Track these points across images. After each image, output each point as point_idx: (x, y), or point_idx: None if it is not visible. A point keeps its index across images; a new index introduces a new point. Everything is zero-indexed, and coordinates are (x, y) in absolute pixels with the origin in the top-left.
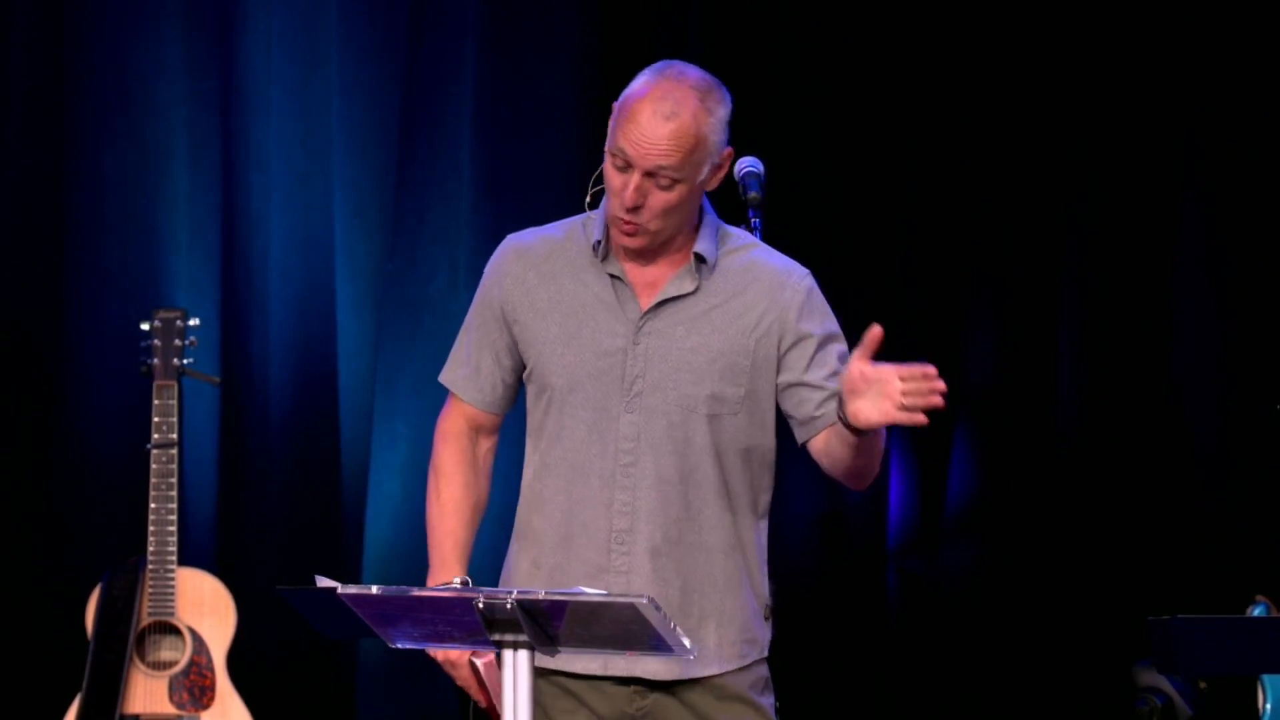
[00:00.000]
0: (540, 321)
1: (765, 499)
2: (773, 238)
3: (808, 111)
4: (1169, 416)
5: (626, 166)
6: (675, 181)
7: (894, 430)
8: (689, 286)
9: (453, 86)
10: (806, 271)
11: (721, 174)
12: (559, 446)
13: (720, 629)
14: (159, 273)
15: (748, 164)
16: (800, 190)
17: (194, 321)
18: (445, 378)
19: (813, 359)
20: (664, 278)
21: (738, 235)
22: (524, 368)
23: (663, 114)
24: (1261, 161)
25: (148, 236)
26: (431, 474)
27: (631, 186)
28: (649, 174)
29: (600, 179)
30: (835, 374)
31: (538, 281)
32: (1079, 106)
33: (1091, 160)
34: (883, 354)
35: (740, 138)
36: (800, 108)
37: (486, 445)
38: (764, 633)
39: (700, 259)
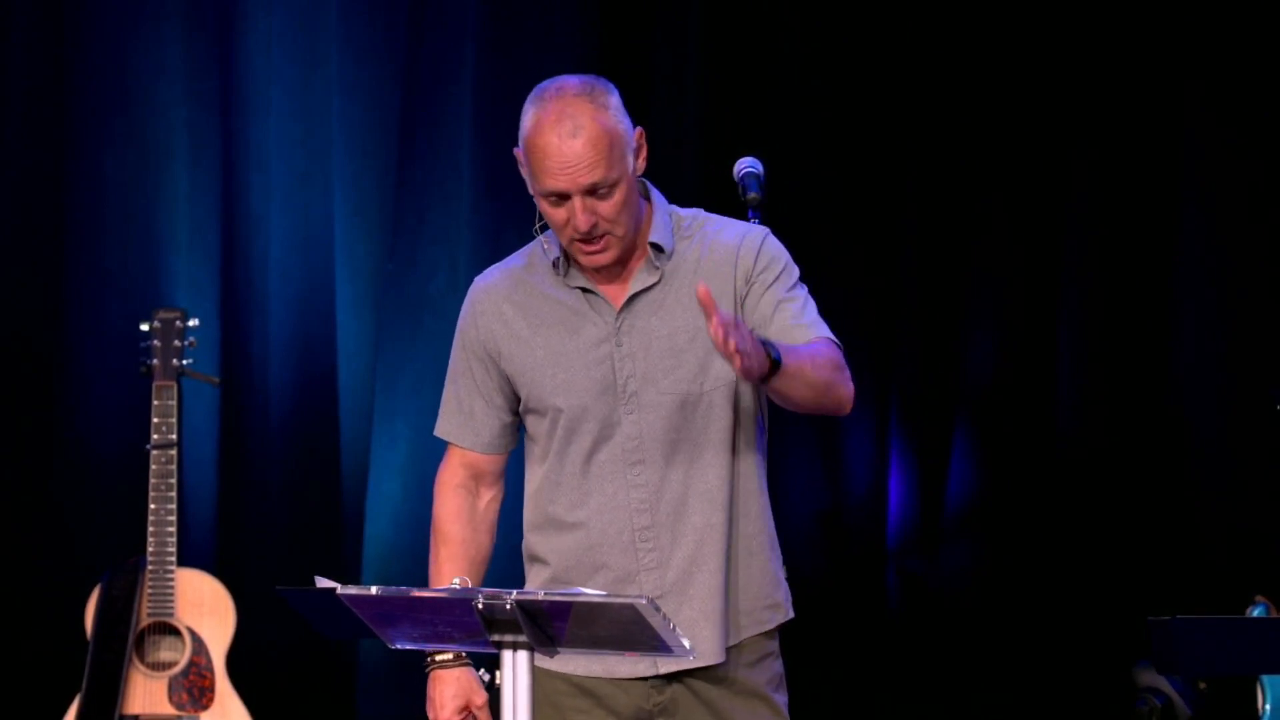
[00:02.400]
0: (525, 349)
1: (765, 443)
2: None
3: (808, 111)
4: (1169, 416)
5: (562, 199)
6: (613, 185)
7: (894, 429)
8: (653, 278)
9: (453, 86)
10: (763, 230)
11: (645, 153)
12: (568, 463)
13: (751, 600)
14: (159, 273)
15: (748, 164)
16: (800, 190)
17: (194, 322)
18: (440, 430)
19: (772, 294)
20: (629, 276)
21: (691, 215)
22: (518, 401)
23: (567, 134)
24: (1261, 161)
25: (148, 236)
26: (432, 533)
27: (579, 212)
28: (588, 193)
29: (540, 216)
30: (787, 302)
31: (514, 313)
32: (1079, 106)
33: (1091, 160)
34: (883, 354)
35: (740, 138)
36: (800, 108)
37: (489, 496)
38: (786, 595)
39: (658, 248)
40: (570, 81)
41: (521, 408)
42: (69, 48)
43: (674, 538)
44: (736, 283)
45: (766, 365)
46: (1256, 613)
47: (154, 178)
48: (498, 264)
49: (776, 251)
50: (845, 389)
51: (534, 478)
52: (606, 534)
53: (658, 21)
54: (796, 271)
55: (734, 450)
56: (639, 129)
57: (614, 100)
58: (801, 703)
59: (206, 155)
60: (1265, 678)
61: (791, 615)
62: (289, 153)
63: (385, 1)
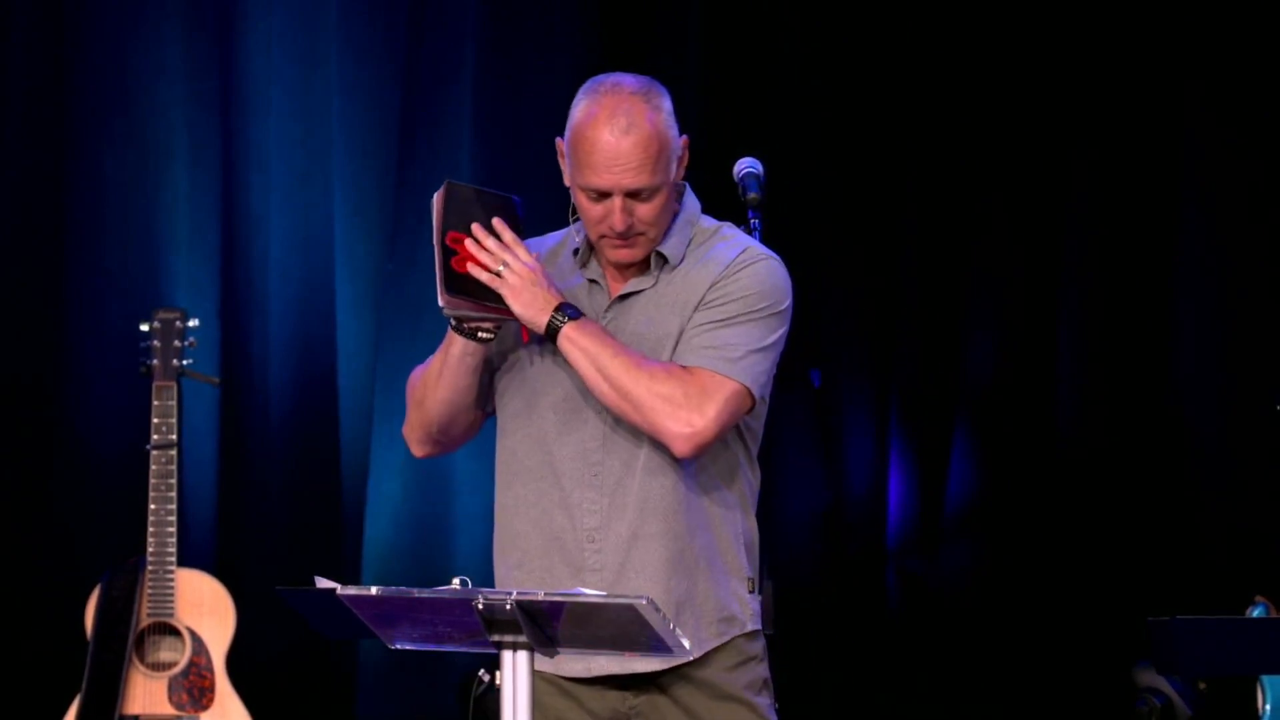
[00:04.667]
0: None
1: (744, 459)
2: (773, 238)
3: (808, 111)
4: (1169, 417)
5: (603, 195)
6: (654, 191)
7: (894, 429)
8: (648, 282)
9: (453, 86)
10: (766, 254)
11: (685, 162)
12: (534, 452)
13: (696, 612)
14: (159, 273)
15: (747, 164)
16: (800, 190)
17: (194, 322)
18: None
19: (704, 310)
20: (633, 276)
21: (712, 229)
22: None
23: (620, 130)
24: (1261, 161)
25: (148, 236)
26: (413, 382)
27: (618, 212)
28: (629, 195)
29: (574, 209)
30: (706, 322)
31: None
32: (1079, 107)
33: (1091, 160)
34: (883, 354)
35: (740, 138)
36: (800, 108)
37: None
38: (744, 608)
39: (662, 258)
40: (627, 79)
41: (497, 376)
42: (69, 48)
43: (618, 543)
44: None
45: (541, 322)
46: (1256, 613)
47: (154, 178)
48: (548, 234)
49: (753, 280)
50: (664, 421)
51: (501, 450)
52: (564, 529)
53: (658, 21)
54: (766, 309)
55: (698, 462)
56: (685, 138)
57: (667, 105)
58: (801, 703)
59: (206, 155)
60: (1265, 678)
61: (751, 629)
62: (289, 153)
63: (385, 1)
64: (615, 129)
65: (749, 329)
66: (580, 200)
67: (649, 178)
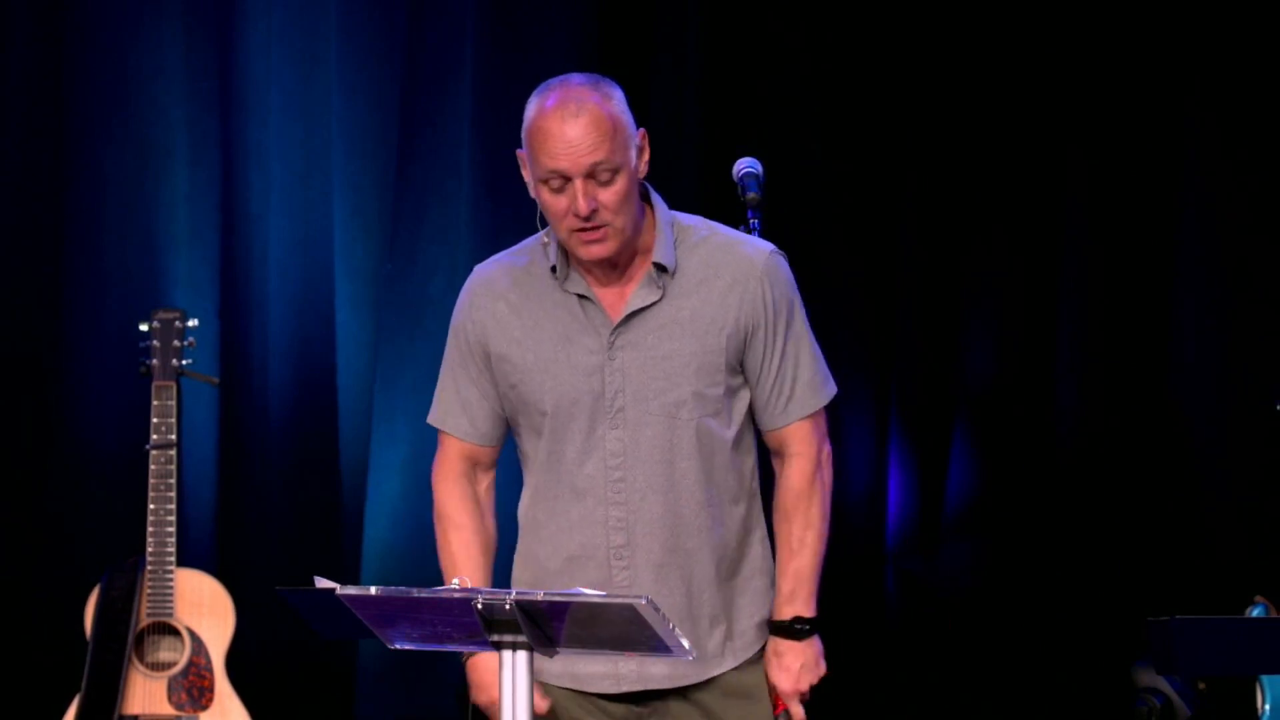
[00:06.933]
0: (517, 350)
1: (754, 471)
2: (772, 238)
3: (807, 111)
4: (1169, 416)
5: (563, 183)
6: (614, 172)
7: (894, 429)
8: (654, 296)
9: (453, 87)
10: (769, 249)
11: (647, 156)
12: (552, 472)
13: (738, 623)
14: (159, 273)
15: (746, 164)
16: (799, 190)
17: (193, 322)
18: (435, 419)
19: (773, 348)
20: (628, 290)
21: (694, 227)
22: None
23: (570, 114)
24: (1262, 162)
25: (147, 236)
26: (438, 522)
27: (580, 195)
28: (589, 176)
29: (544, 219)
30: (786, 360)
31: (508, 311)
32: (1079, 105)
33: (1091, 160)
34: (883, 354)
35: (740, 138)
36: (799, 107)
37: (486, 482)
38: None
39: (660, 268)
40: (576, 75)
41: (508, 411)
42: (69, 48)
43: (649, 560)
44: (742, 308)
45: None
46: (1256, 613)
47: (154, 178)
48: (499, 255)
49: (785, 286)
50: (830, 484)
51: (526, 477)
52: (585, 548)
53: (658, 21)
54: (799, 299)
55: (730, 475)
56: (642, 130)
57: (618, 94)
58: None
59: (206, 155)
60: (1265, 678)
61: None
62: (289, 153)
63: (385, 1)
64: (566, 114)
65: (802, 333)
66: (544, 198)
67: (606, 153)
